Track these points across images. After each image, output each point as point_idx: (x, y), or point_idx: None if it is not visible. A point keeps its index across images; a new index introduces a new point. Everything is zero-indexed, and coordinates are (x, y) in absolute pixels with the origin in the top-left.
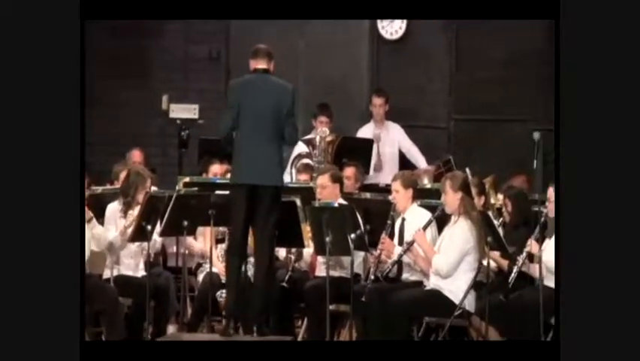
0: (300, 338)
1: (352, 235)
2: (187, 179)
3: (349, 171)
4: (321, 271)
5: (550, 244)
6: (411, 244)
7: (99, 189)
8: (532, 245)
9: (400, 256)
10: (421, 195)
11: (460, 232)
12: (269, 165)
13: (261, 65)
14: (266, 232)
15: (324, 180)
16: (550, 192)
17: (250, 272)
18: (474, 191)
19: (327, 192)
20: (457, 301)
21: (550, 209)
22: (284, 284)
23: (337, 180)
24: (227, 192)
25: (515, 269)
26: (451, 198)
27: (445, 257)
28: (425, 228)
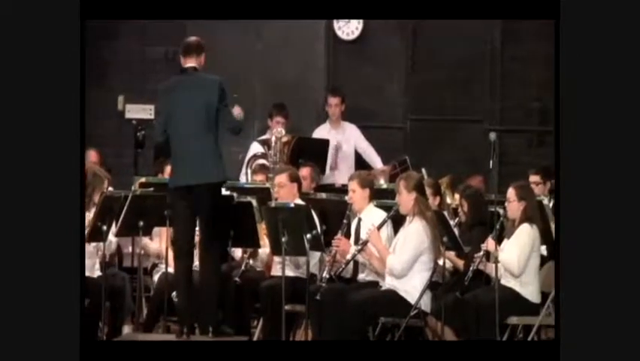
0: (255, 338)
1: (308, 236)
2: (143, 179)
3: (305, 172)
4: (276, 271)
5: (508, 244)
6: (365, 243)
7: None
8: (489, 244)
9: (354, 255)
10: (377, 196)
11: (415, 232)
12: (203, 164)
13: (189, 63)
14: (209, 231)
15: (281, 179)
16: (510, 192)
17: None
18: (429, 191)
19: (285, 192)
20: (412, 301)
21: (510, 209)
22: (236, 279)
23: (295, 179)
24: None
25: (472, 267)
26: (405, 199)
27: (399, 257)
28: (379, 227)
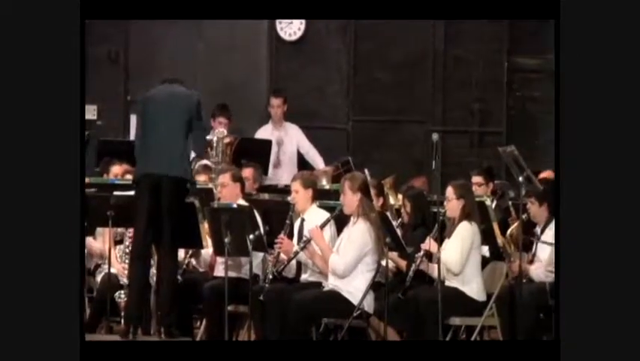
0: (198, 339)
1: (251, 236)
2: (86, 180)
3: (248, 172)
4: (219, 272)
5: (448, 243)
6: (308, 241)
7: None
8: (430, 244)
9: (297, 252)
10: (320, 196)
11: (359, 233)
12: (171, 158)
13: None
14: (173, 230)
15: (224, 178)
16: (449, 190)
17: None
18: (373, 191)
19: (228, 191)
20: (355, 301)
21: (449, 208)
22: (179, 278)
23: (238, 179)
24: (126, 193)
25: (413, 267)
26: (349, 199)
27: (343, 257)
28: (322, 226)
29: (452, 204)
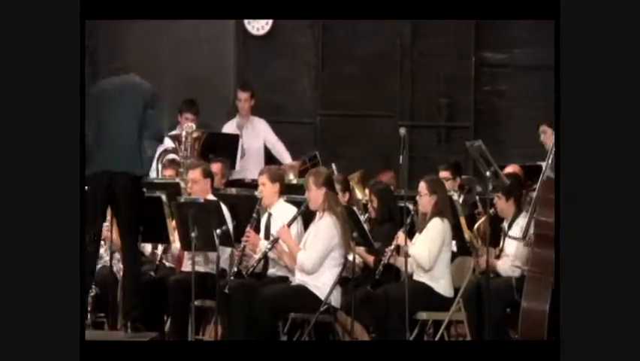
0: (165, 334)
1: (218, 231)
2: None
3: (215, 167)
4: (186, 267)
5: (419, 238)
6: (276, 240)
7: None
8: (400, 238)
9: (265, 252)
10: (287, 191)
11: (325, 228)
12: (125, 154)
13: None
14: (126, 225)
15: (195, 174)
16: (422, 186)
17: (115, 268)
18: (339, 187)
19: (198, 187)
20: (322, 296)
21: (421, 203)
22: (152, 273)
23: (208, 175)
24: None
25: (383, 261)
26: (314, 194)
27: (310, 253)
28: (290, 224)
29: (424, 200)
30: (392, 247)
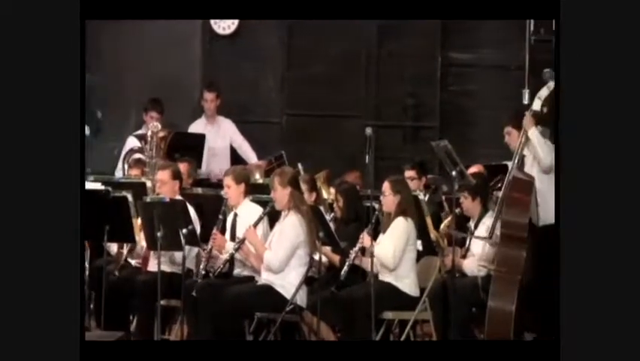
0: (131, 333)
1: (184, 230)
2: None
3: (181, 167)
4: (153, 267)
5: (383, 238)
6: (242, 241)
7: None
8: (364, 239)
9: (232, 254)
10: (254, 191)
11: (290, 227)
12: None
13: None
14: None
15: (164, 176)
16: (386, 186)
17: None
18: (306, 187)
19: (167, 188)
20: (288, 296)
21: (385, 203)
22: (116, 273)
23: (177, 176)
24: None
25: (348, 262)
26: (279, 194)
27: (276, 252)
28: (256, 225)
29: (388, 200)
30: (357, 248)
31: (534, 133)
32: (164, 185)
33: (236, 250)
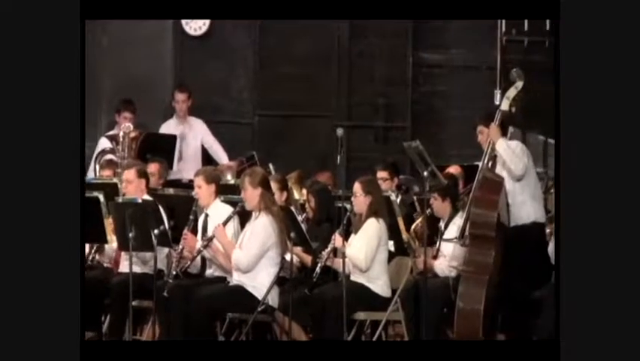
0: (103, 334)
1: (155, 231)
2: None
3: (153, 167)
4: (124, 267)
5: (355, 239)
6: (210, 239)
7: None
8: (336, 240)
9: (200, 251)
10: (225, 191)
11: (261, 228)
12: None
13: None
14: None
15: (129, 175)
16: (356, 186)
17: None
18: (277, 187)
19: (133, 188)
20: (260, 296)
21: (356, 204)
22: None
23: (143, 175)
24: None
25: (320, 264)
26: (250, 194)
27: (245, 252)
28: (225, 223)
29: (359, 201)
30: (329, 249)
31: (501, 145)
32: (129, 184)
33: (205, 247)
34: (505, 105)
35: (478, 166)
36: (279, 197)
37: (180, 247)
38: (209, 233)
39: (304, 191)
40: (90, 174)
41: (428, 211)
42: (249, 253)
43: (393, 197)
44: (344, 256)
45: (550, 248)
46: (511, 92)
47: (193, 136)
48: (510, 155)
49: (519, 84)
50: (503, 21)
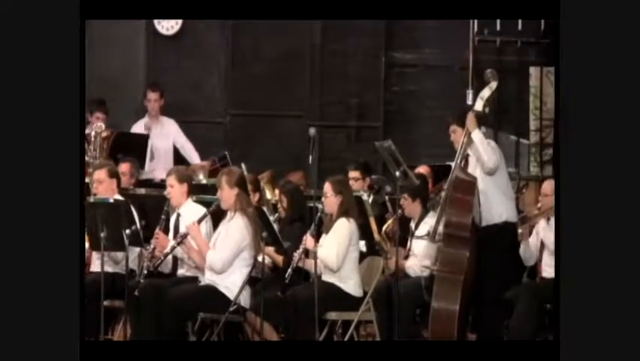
0: None
1: (127, 231)
2: None
3: (124, 167)
4: (96, 267)
5: (326, 239)
6: (184, 236)
7: None
8: (307, 240)
9: (173, 247)
10: (196, 191)
11: (236, 229)
12: None
13: None
14: None
15: (100, 175)
16: (327, 186)
17: None
18: (250, 187)
19: (104, 188)
20: (232, 296)
21: (327, 204)
22: None
23: (114, 175)
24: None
25: (292, 265)
26: (227, 194)
27: (220, 253)
28: (200, 221)
29: (330, 201)
30: (300, 250)
31: (477, 135)
32: (101, 184)
33: (179, 243)
34: (479, 105)
35: (447, 166)
36: (252, 197)
37: (152, 246)
38: (182, 232)
39: (276, 191)
40: None
41: (399, 211)
42: (223, 254)
43: (365, 197)
44: (315, 257)
45: (522, 248)
46: (486, 93)
47: (165, 136)
48: (485, 145)
49: (493, 85)
50: (475, 21)
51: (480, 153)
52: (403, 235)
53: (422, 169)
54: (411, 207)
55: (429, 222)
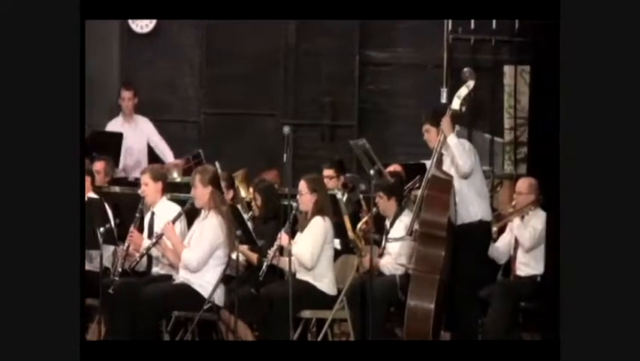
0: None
1: (101, 229)
2: None
3: (99, 165)
4: None
5: (300, 237)
6: (160, 236)
7: None
8: (282, 238)
9: (149, 248)
10: (171, 189)
11: (210, 227)
12: None
13: None
14: None
15: None
16: (302, 184)
17: None
18: (223, 184)
19: None
20: (206, 295)
21: (302, 202)
22: None
23: (88, 173)
24: None
25: (266, 263)
26: (200, 192)
27: (194, 252)
28: (174, 221)
29: (305, 199)
30: (275, 247)
31: (452, 140)
32: None
33: (154, 244)
34: (456, 104)
35: (420, 165)
36: (227, 195)
37: (126, 244)
38: (157, 231)
39: (251, 189)
40: None
41: (374, 210)
42: (198, 253)
43: (339, 195)
44: (290, 255)
45: (491, 249)
46: (463, 91)
47: (139, 134)
48: (460, 150)
49: (470, 83)
50: (449, 20)
51: (455, 157)
52: (378, 233)
53: (393, 168)
54: (386, 205)
55: (404, 221)
